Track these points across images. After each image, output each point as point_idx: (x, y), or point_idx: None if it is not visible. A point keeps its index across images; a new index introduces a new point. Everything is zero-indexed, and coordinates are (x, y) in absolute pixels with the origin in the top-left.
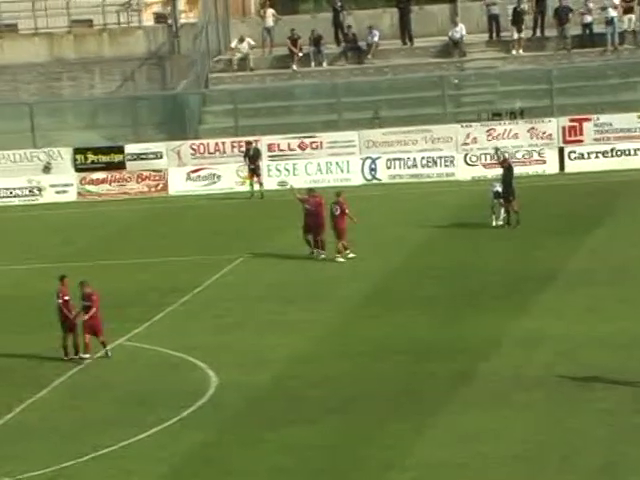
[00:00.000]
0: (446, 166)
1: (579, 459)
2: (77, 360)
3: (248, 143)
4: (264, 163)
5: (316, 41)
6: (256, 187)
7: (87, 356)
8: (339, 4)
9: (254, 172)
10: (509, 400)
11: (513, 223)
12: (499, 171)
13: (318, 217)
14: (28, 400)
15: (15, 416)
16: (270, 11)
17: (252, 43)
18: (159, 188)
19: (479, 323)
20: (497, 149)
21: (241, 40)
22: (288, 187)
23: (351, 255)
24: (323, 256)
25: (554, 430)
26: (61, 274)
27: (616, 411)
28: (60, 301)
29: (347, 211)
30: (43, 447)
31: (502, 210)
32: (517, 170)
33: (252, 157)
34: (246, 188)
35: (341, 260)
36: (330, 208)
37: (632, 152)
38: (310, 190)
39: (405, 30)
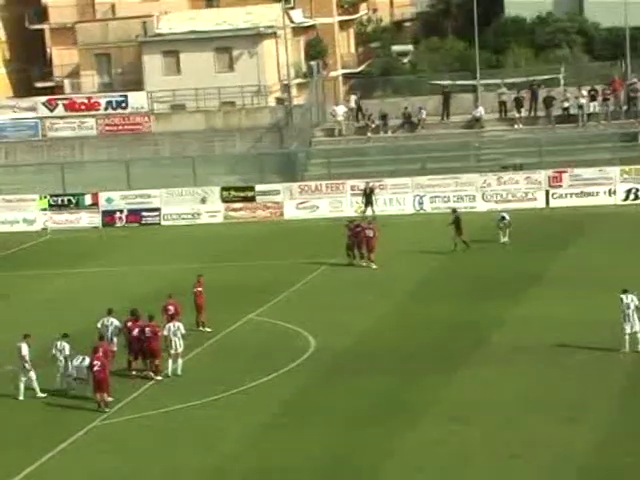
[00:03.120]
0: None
1: None
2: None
3: (367, 184)
4: (347, 199)
5: (383, 117)
6: (369, 212)
7: (209, 330)
8: (358, 95)
9: (369, 204)
10: None
11: None
12: None
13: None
14: (187, 357)
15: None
16: (353, 97)
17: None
18: (277, 215)
19: None
20: None
21: (333, 114)
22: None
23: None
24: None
25: None
26: (199, 273)
27: None
28: (195, 290)
29: (374, 233)
30: (198, 387)
31: None
32: None
33: (368, 194)
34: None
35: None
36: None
37: None
38: (350, 221)
39: (445, 110)
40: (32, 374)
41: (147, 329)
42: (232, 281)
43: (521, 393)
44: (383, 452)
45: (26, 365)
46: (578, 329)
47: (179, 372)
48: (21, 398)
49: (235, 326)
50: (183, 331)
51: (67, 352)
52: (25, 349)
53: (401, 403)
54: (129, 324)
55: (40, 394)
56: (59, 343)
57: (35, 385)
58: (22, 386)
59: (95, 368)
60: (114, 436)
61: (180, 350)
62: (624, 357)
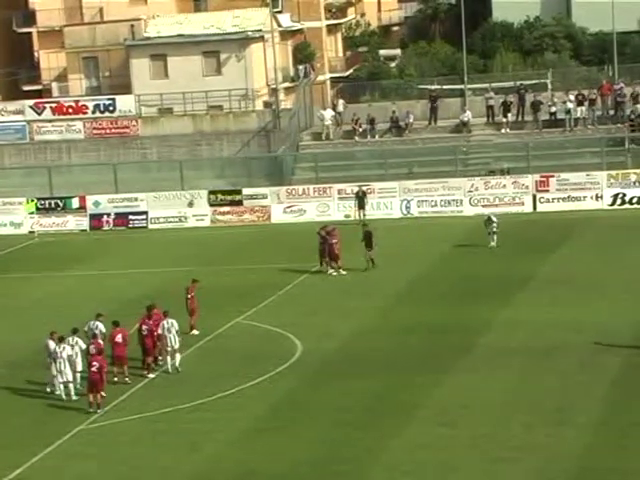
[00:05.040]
0: None
1: None
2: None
3: (359, 187)
4: (334, 203)
5: (371, 121)
6: (361, 216)
7: (196, 333)
8: (341, 101)
9: (362, 207)
10: None
11: None
12: None
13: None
14: (176, 359)
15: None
16: (340, 101)
17: (332, 115)
18: (264, 218)
19: None
20: None
21: (321, 118)
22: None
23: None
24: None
25: None
26: (193, 278)
27: None
28: (188, 296)
29: (334, 241)
30: (185, 390)
31: None
32: None
33: (361, 197)
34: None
35: (335, 274)
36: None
37: None
38: (325, 226)
39: (433, 114)
40: (53, 370)
41: (144, 327)
42: (219, 284)
43: (508, 396)
44: (370, 456)
45: (55, 360)
46: (565, 332)
47: (178, 367)
48: (58, 393)
49: (222, 329)
50: (177, 327)
51: (82, 346)
52: (52, 346)
53: (388, 407)
54: (144, 320)
55: (49, 389)
56: (71, 339)
57: (49, 380)
58: (57, 382)
59: (92, 369)
60: (101, 439)
61: (177, 346)
62: None
